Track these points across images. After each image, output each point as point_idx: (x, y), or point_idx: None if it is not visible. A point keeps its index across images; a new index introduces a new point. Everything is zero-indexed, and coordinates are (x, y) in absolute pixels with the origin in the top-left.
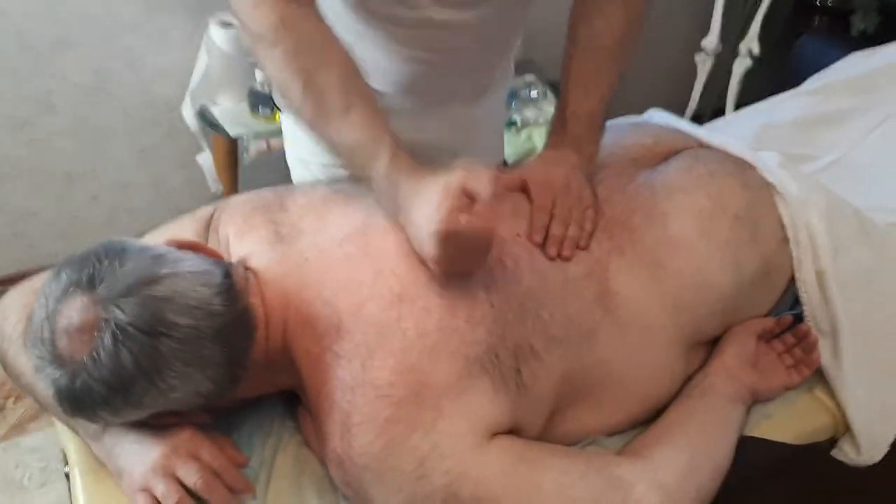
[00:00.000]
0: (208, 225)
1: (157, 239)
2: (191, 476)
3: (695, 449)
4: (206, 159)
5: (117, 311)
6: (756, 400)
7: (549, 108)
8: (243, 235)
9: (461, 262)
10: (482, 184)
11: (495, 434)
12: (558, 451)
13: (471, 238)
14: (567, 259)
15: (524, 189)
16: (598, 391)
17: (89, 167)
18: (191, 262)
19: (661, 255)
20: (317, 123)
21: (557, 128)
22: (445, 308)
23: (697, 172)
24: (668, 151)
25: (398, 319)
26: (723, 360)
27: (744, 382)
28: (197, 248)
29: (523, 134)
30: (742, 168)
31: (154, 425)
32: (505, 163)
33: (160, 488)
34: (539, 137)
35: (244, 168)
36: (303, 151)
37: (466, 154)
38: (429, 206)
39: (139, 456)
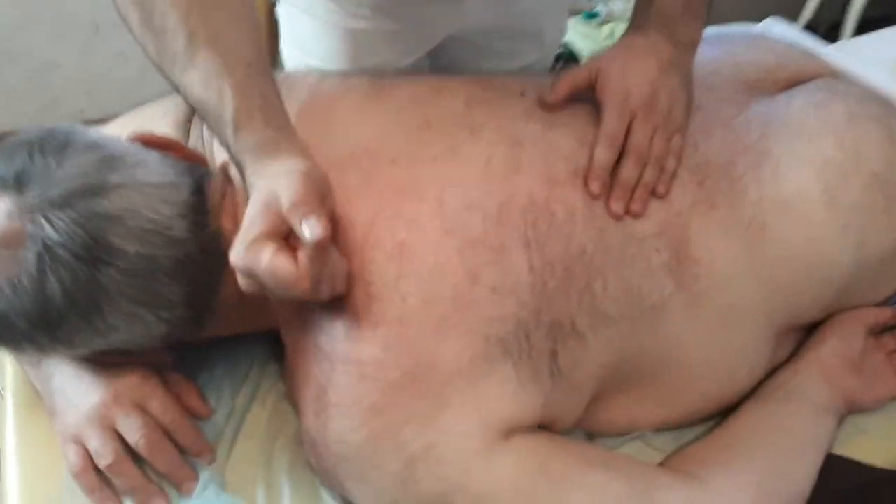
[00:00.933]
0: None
1: (126, 127)
2: (133, 432)
3: (768, 473)
4: None
5: (47, 226)
6: (851, 411)
7: None
8: None
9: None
10: (313, 226)
11: (514, 433)
12: (593, 461)
13: (271, 283)
14: (637, 216)
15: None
16: (655, 380)
17: (118, 19)
18: (153, 169)
19: (765, 216)
20: (162, 70)
21: (641, 5)
22: (466, 271)
23: (830, 111)
24: (793, 78)
25: (397, 278)
26: (819, 356)
27: (841, 388)
28: (169, 148)
29: (605, 29)
30: (889, 112)
31: (98, 362)
32: (573, 57)
33: (94, 442)
34: None
35: None
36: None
37: (519, 32)
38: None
39: (75, 398)
